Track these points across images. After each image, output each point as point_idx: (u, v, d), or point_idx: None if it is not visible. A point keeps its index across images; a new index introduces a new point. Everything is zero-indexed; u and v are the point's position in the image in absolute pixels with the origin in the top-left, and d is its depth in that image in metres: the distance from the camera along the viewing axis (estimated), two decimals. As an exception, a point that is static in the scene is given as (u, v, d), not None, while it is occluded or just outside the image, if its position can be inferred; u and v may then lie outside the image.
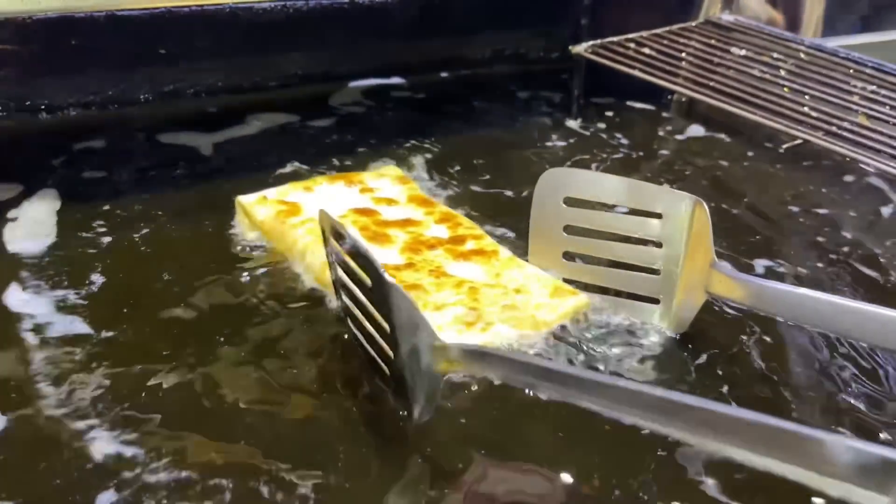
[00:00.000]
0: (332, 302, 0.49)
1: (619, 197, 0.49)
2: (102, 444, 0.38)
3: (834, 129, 0.70)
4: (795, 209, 0.67)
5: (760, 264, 0.58)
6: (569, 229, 0.51)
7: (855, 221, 0.65)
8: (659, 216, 0.47)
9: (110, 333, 0.46)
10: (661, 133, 0.81)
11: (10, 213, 0.58)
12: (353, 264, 0.39)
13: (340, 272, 0.41)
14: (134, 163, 0.67)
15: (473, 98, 0.87)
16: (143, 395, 0.41)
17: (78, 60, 0.72)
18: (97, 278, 0.51)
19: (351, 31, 0.85)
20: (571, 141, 0.77)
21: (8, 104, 0.72)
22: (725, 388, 0.45)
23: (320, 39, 0.84)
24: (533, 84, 0.91)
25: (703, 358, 0.47)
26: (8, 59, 0.69)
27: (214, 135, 0.72)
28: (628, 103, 0.86)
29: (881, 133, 0.69)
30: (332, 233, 0.40)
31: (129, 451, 0.37)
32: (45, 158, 0.66)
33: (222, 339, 0.46)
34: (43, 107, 0.73)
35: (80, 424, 0.39)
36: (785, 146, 0.73)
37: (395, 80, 0.88)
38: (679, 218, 0.46)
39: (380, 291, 0.37)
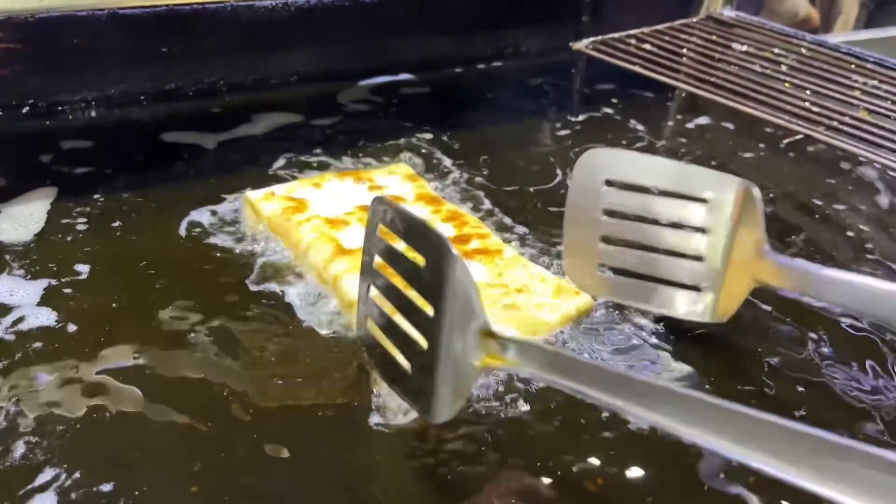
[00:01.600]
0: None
1: (662, 180, 0.47)
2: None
3: (835, 123, 0.70)
4: (818, 203, 0.67)
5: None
6: (608, 213, 0.48)
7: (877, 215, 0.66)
8: (704, 201, 0.45)
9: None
10: (670, 122, 0.82)
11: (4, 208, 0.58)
12: (399, 248, 0.39)
13: (378, 262, 0.41)
14: (134, 161, 0.67)
15: (481, 94, 0.88)
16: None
17: (80, 59, 0.72)
18: (82, 268, 0.51)
19: (353, 28, 0.85)
20: (578, 129, 0.78)
21: (10, 103, 0.72)
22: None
23: (323, 37, 0.84)
24: (537, 79, 0.91)
25: (701, 367, 0.47)
26: (10, 58, 0.68)
27: (219, 133, 0.72)
28: (632, 91, 0.86)
29: (882, 128, 0.69)
30: (387, 210, 0.40)
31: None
32: (42, 157, 0.65)
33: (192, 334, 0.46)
34: (44, 105, 0.73)
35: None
36: (786, 141, 0.73)
37: (404, 76, 0.88)
38: (726, 203, 0.44)
39: (437, 268, 0.36)
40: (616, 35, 0.87)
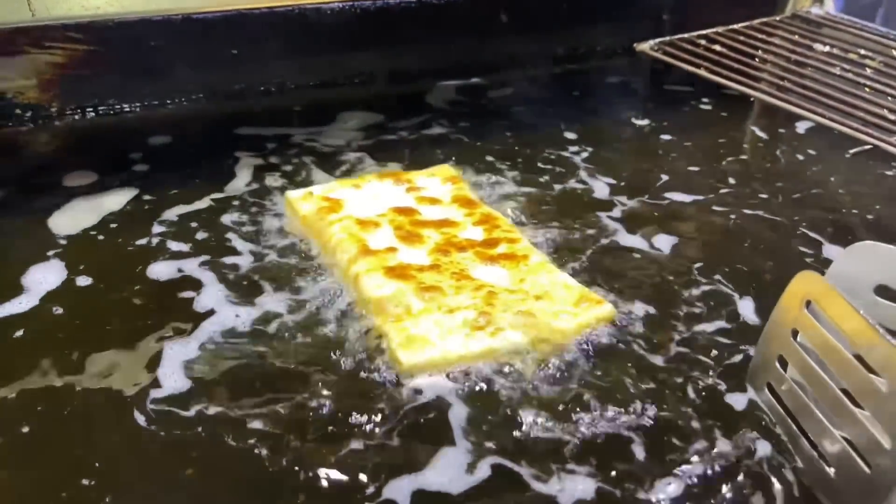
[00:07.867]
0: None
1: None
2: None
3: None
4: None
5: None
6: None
7: None
8: None
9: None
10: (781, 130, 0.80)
11: (78, 201, 0.62)
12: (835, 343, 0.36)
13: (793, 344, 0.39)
14: (212, 163, 0.70)
15: (564, 93, 0.88)
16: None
17: (156, 61, 0.77)
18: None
19: (420, 30, 0.86)
20: (667, 125, 0.77)
21: (91, 102, 0.77)
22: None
23: (391, 39, 0.86)
24: (618, 77, 0.91)
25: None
26: (92, 60, 0.74)
27: (297, 129, 0.76)
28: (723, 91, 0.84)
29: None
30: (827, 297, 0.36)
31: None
32: (125, 154, 0.70)
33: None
34: (126, 105, 0.78)
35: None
36: (852, 151, 0.69)
37: (475, 79, 0.90)
38: None
39: None
40: (685, 35, 0.84)
